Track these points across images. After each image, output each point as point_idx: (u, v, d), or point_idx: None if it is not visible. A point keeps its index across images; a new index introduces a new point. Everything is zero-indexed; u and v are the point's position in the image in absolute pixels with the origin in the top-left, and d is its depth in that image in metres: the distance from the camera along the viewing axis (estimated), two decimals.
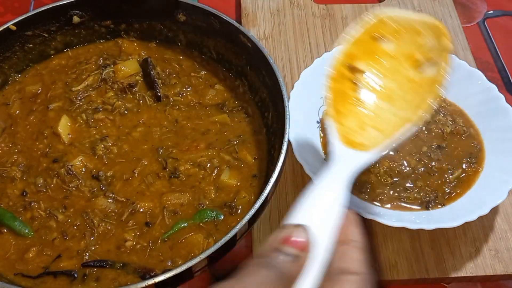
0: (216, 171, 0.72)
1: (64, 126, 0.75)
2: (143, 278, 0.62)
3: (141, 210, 0.68)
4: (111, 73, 0.80)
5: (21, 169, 0.71)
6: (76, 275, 0.63)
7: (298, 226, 0.43)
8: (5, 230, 0.66)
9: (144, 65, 0.81)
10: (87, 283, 0.63)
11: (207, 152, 0.73)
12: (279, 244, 0.42)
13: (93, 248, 0.65)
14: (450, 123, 0.79)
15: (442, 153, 0.76)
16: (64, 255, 0.65)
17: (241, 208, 0.69)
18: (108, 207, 0.68)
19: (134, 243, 0.66)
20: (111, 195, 0.69)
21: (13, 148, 0.73)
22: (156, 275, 0.55)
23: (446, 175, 0.74)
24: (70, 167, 0.70)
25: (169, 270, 0.55)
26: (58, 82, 0.80)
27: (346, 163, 0.51)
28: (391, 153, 0.75)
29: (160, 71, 0.81)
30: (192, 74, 0.82)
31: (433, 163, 0.75)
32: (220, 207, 0.69)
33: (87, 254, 0.65)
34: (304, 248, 0.42)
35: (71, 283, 0.63)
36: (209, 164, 0.72)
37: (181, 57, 0.85)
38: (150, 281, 0.54)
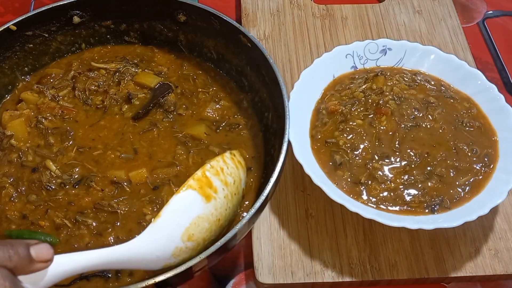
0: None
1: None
2: None
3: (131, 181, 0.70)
4: (128, 75, 0.81)
5: (11, 183, 0.71)
6: (109, 275, 0.63)
7: None
8: None
9: (160, 90, 0.79)
10: (122, 279, 0.63)
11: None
12: None
13: (119, 236, 0.66)
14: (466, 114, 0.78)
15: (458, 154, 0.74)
16: None
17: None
18: (110, 190, 0.70)
19: (153, 218, 0.67)
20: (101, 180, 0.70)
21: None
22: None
23: (460, 177, 0.72)
24: (50, 184, 0.70)
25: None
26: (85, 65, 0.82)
27: None
28: (397, 164, 0.74)
29: (174, 96, 0.79)
30: (200, 89, 0.82)
31: (442, 169, 0.73)
32: None
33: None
34: None
35: (106, 283, 0.63)
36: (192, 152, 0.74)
37: (199, 72, 0.84)
38: (150, 281, 0.54)
